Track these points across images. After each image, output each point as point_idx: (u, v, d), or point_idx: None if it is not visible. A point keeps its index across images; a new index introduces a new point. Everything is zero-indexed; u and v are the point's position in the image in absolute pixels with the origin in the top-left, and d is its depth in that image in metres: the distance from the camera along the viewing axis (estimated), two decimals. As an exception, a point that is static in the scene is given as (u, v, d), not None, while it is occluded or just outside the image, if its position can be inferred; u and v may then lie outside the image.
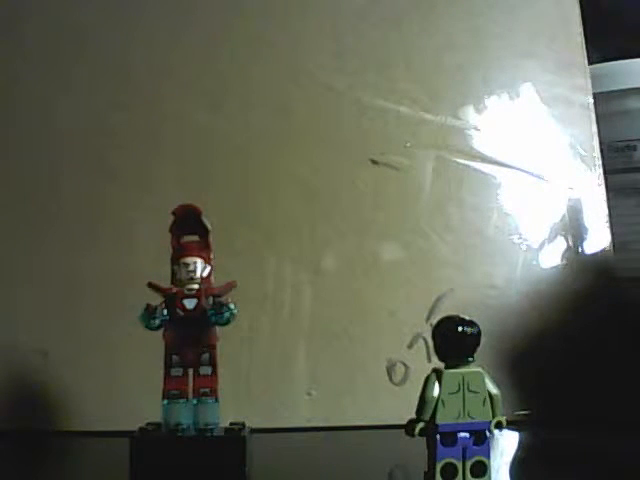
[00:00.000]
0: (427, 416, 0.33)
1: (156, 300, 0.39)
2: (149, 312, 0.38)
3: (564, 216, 0.55)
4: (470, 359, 0.33)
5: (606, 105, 0.57)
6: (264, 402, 0.50)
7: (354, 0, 0.57)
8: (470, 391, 0.33)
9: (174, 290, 0.39)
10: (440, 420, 0.33)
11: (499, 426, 0.34)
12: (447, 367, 0.33)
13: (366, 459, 0.45)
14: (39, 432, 0.48)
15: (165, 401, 0.39)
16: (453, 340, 0.33)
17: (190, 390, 0.39)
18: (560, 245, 0.54)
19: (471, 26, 0.57)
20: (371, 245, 0.53)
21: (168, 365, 0.39)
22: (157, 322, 0.39)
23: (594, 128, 0.56)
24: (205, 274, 0.39)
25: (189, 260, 0.39)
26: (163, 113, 0.54)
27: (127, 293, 0.49)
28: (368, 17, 0.56)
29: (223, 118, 0.54)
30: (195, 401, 0.39)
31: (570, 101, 0.56)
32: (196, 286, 0.39)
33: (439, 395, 0.33)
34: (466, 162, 0.55)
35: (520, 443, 0.47)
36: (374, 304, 0.52)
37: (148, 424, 0.39)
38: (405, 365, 0.51)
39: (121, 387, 0.49)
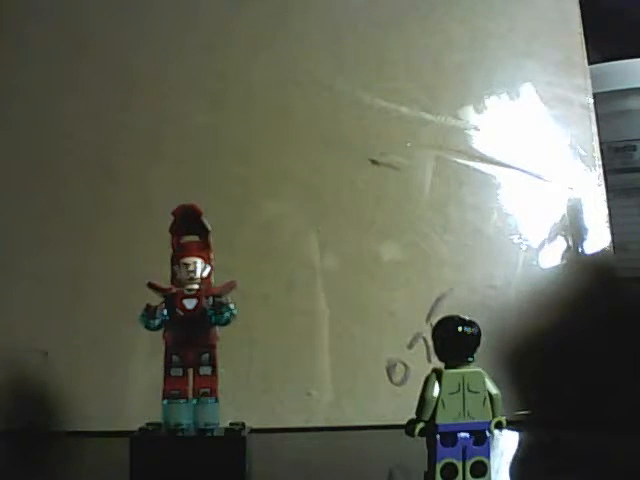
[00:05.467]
0: (427, 416, 0.33)
1: (156, 300, 0.39)
2: (149, 312, 0.38)
3: (564, 216, 0.55)
4: (470, 359, 0.33)
5: (606, 105, 0.57)
6: (264, 402, 0.50)
7: (354, 0, 0.57)
8: (470, 391, 0.33)
9: (174, 290, 0.39)
10: (440, 420, 0.33)
11: (499, 426, 0.34)
12: (447, 367, 0.33)
13: (366, 459, 0.45)
14: (39, 432, 0.48)
15: (165, 401, 0.38)
16: (453, 340, 0.33)
17: (190, 390, 0.39)
18: (560, 245, 0.54)
19: (471, 26, 0.57)
20: (371, 245, 0.53)
21: (168, 365, 0.39)
22: (157, 322, 0.38)
23: (594, 128, 0.56)
24: (205, 274, 0.39)
25: (189, 260, 0.39)
26: (163, 113, 0.54)
27: (127, 293, 0.49)
28: (368, 17, 0.56)
29: (223, 118, 0.54)
30: (195, 401, 0.39)
31: (570, 101, 0.56)
32: (196, 286, 0.39)
33: (439, 395, 0.33)
34: (466, 162, 0.55)
35: (520, 443, 0.47)
36: (374, 304, 0.52)
37: (148, 424, 0.39)
38: (405, 365, 0.51)
39: (121, 387, 0.49)
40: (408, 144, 0.55)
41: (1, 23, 0.55)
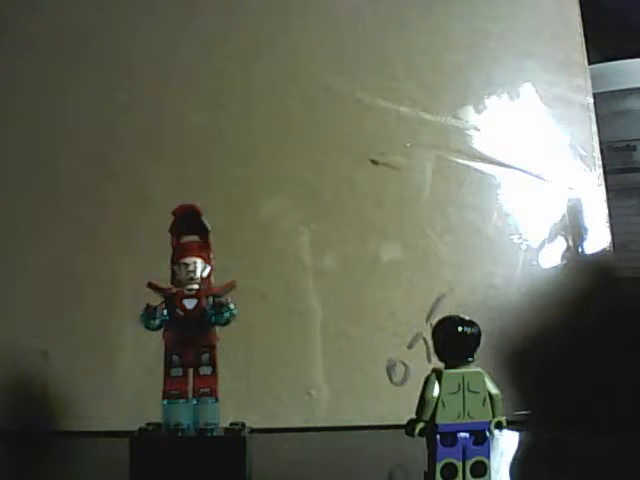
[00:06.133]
0: (427, 416, 0.33)
1: (156, 300, 0.39)
2: (149, 312, 0.38)
3: (564, 216, 0.55)
4: (470, 359, 0.33)
5: (606, 105, 0.57)
6: (264, 402, 0.50)
7: (354, 0, 0.57)
8: (470, 391, 0.33)
9: (174, 290, 0.39)
10: (440, 420, 0.33)
11: (499, 426, 0.34)
12: (447, 367, 0.33)
13: (366, 459, 0.45)
14: (39, 432, 0.48)
15: (165, 401, 0.38)
16: (453, 340, 0.33)
17: (190, 390, 0.39)
18: (560, 245, 0.54)
19: (471, 26, 0.57)
20: (371, 245, 0.53)
21: (168, 365, 0.39)
22: (157, 322, 0.38)
23: (594, 128, 0.56)
24: (205, 274, 0.39)
25: (189, 260, 0.39)
26: (163, 113, 0.54)
27: (127, 293, 0.50)
28: (368, 17, 0.56)
29: (223, 118, 0.54)
30: (195, 401, 0.39)
31: (570, 101, 0.56)
32: (196, 286, 0.39)
33: (439, 395, 0.33)
34: (466, 162, 0.55)
35: (520, 443, 0.47)
36: (374, 304, 0.52)
37: (148, 424, 0.39)
38: (405, 365, 0.51)
39: (121, 387, 0.49)
40: (408, 144, 0.55)
41: (1, 23, 0.55)
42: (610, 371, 0.52)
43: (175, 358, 0.39)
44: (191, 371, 0.39)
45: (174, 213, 0.40)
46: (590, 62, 0.57)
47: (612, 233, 0.55)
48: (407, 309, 0.52)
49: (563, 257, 0.54)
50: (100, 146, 0.53)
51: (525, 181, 0.55)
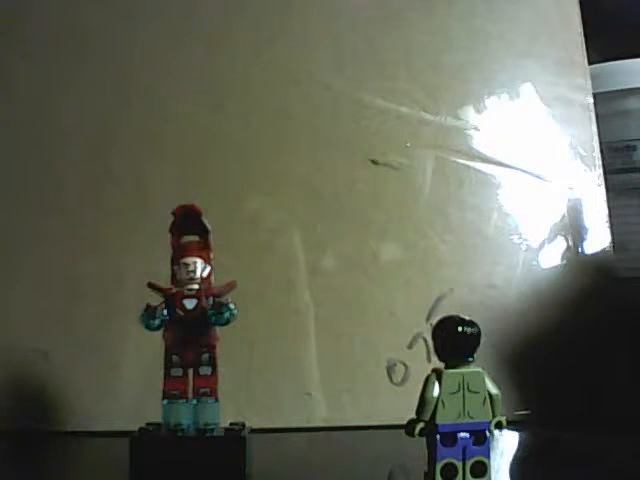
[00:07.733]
0: (427, 416, 0.33)
1: (156, 300, 0.39)
2: (149, 312, 0.38)
3: (564, 216, 0.55)
4: (470, 359, 0.33)
5: (606, 105, 0.57)
6: (264, 402, 0.50)
7: (354, 0, 0.57)
8: (470, 391, 0.33)
9: (174, 290, 0.39)
10: (440, 420, 0.33)
11: (499, 426, 0.34)
12: (447, 367, 0.33)
13: (366, 459, 0.45)
14: (39, 432, 0.48)
15: (165, 401, 0.38)
16: (453, 340, 0.33)
17: (190, 390, 0.39)
18: (560, 245, 0.54)
19: (471, 26, 0.57)
20: (371, 245, 0.53)
21: (168, 365, 0.39)
22: (157, 322, 0.38)
23: (594, 128, 0.56)
24: (205, 274, 0.39)
25: (189, 260, 0.39)
26: (163, 113, 0.54)
27: (127, 293, 0.50)
28: (368, 17, 0.56)
29: (223, 118, 0.54)
30: (195, 401, 0.39)
31: (570, 101, 0.56)
32: (196, 286, 0.39)
33: (439, 395, 0.33)
34: (466, 162, 0.55)
35: (520, 443, 0.47)
36: (374, 304, 0.52)
37: (148, 424, 0.39)
38: (405, 365, 0.51)
39: (121, 387, 0.49)
40: (408, 144, 0.55)
41: (1, 23, 0.55)
42: (610, 371, 0.52)
43: (175, 358, 0.39)
44: (191, 371, 0.39)
45: (174, 213, 0.40)
46: (590, 62, 0.57)
47: (612, 233, 0.55)
48: (407, 309, 0.52)
49: (563, 257, 0.54)
50: (100, 146, 0.53)
51: (525, 181, 0.55)
